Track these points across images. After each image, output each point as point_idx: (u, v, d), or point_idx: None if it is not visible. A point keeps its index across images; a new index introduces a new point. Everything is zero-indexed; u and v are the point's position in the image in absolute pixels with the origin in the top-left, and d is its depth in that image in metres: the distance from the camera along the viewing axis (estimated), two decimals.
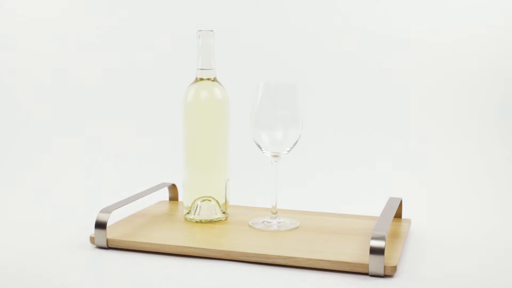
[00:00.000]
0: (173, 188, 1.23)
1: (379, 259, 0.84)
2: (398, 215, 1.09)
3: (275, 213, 1.06)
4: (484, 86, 1.40)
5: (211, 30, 1.04)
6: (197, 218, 1.06)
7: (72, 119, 1.54)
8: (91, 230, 1.03)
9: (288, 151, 1.03)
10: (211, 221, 1.06)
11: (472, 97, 1.40)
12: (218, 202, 1.06)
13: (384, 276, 0.85)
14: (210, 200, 1.05)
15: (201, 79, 1.04)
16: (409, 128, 1.42)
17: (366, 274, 0.86)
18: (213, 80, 1.04)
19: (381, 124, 1.41)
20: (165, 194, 1.25)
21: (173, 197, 1.23)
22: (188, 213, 1.06)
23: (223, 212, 1.07)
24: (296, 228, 1.04)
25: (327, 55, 1.47)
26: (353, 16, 1.47)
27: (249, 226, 1.05)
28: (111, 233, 0.99)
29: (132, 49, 1.59)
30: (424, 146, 1.40)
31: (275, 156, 1.03)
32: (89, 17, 1.60)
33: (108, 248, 0.97)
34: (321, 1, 1.49)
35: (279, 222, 1.05)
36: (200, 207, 1.05)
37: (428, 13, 1.44)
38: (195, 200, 1.06)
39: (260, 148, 1.03)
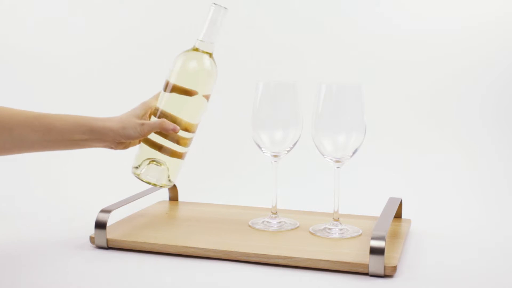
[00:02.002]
0: (173, 188, 1.23)
1: (379, 259, 0.84)
2: (398, 215, 1.09)
3: (275, 213, 1.06)
4: (484, 86, 1.40)
5: (226, 8, 0.98)
6: (144, 176, 0.98)
7: None
8: (91, 230, 1.03)
9: (288, 151, 1.03)
10: (155, 185, 0.99)
11: (472, 97, 1.40)
12: (168, 169, 0.99)
13: (384, 276, 0.85)
14: (161, 165, 0.99)
15: (197, 49, 0.99)
16: (409, 128, 1.42)
17: (366, 274, 0.86)
18: (209, 55, 1.00)
19: (381, 124, 1.40)
20: (165, 194, 1.25)
21: (173, 197, 1.23)
22: (136, 167, 0.99)
23: (169, 180, 1.00)
24: (296, 228, 1.04)
25: (327, 54, 1.47)
26: (353, 14, 1.47)
27: (249, 226, 1.05)
28: (111, 233, 0.99)
29: (132, 48, 1.59)
30: (424, 146, 1.40)
31: (275, 156, 1.03)
32: (88, 16, 1.60)
33: (108, 248, 0.97)
34: (321, 0, 1.49)
35: (279, 222, 1.05)
36: (149, 167, 0.99)
37: (428, 11, 1.44)
38: (145, 160, 0.99)
39: (260, 148, 1.03)
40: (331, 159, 0.98)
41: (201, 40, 0.99)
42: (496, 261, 0.93)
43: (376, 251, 0.84)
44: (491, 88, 1.39)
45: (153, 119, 0.97)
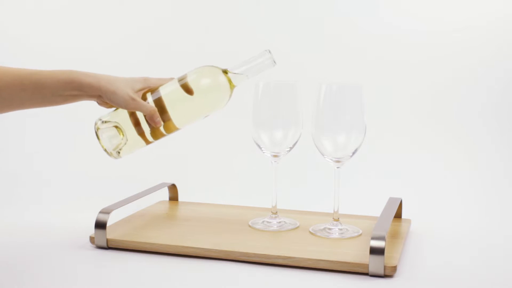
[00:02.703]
0: (173, 188, 1.23)
1: (379, 259, 0.84)
2: (398, 215, 1.09)
3: (275, 213, 1.06)
4: (484, 86, 1.40)
5: (276, 63, 0.97)
6: (100, 134, 0.96)
7: (72, 118, 1.54)
8: (91, 230, 1.03)
9: (288, 151, 1.03)
10: (102, 147, 0.96)
11: (472, 97, 1.40)
12: (125, 144, 0.96)
13: (384, 276, 0.85)
14: (122, 136, 0.96)
15: (226, 72, 0.97)
16: (409, 128, 1.42)
17: (366, 274, 0.86)
18: (231, 86, 0.98)
19: (381, 124, 1.40)
20: (165, 194, 1.25)
21: (173, 197, 1.23)
22: (102, 121, 0.97)
23: (118, 152, 0.97)
24: (296, 228, 1.04)
25: (327, 54, 1.47)
26: (353, 14, 1.47)
27: (249, 226, 1.05)
28: (111, 233, 0.99)
29: (131, 49, 1.59)
30: (424, 146, 1.40)
31: (275, 156, 1.03)
32: (87, 13, 1.60)
33: (108, 248, 0.97)
34: (321, 0, 1.49)
35: (279, 222, 1.05)
36: (111, 130, 0.96)
37: (429, 10, 1.44)
38: (114, 122, 0.96)
39: (260, 148, 1.03)
40: (331, 159, 0.98)
41: (233, 72, 0.97)
42: (496, 260, 0.93)
43: (376, 251, 0.84)
44: (492, 88, 1.39)
45: (149, 97, 0.95)
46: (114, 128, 0.96)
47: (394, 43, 1.44)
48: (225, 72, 0.98)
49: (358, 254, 0.89)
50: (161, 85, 0.97)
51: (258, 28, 1.50)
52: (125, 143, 0.96)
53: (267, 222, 1.05)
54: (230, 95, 0.98)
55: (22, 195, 1.33)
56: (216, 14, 1.53)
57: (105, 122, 0.96)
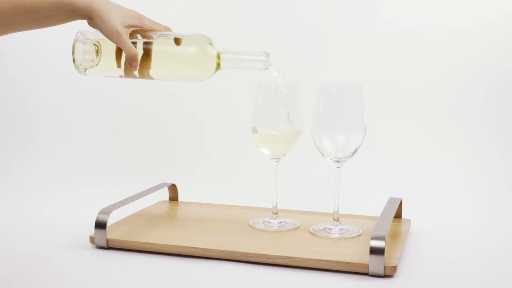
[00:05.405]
0: (173, 188, 1.23)
1: (379, 259, 0.84)
2: (398, 215, 1.09)
3: (276, 213, 1.06)
4: (484, 86, 1.40)
5: (268, 68, 0.96)
6: (77, 45, 0.94)
7: (72, 118, 1.54)
8: (91, 230, 1.03)
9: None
10: (72, 56, 0.94)
11: (472, 97, 1.40)
12: (96, 65, 0.95)
13: (384, 276, 0.85)
14: (96, 55, 0.95)
15: (219, 54, 0.95)
16: (409, 128, 1.42)
17: (366, 274, 0.86)
18: (218, 66, 0.97)
19: (381, 124, 1.40)
20: (165, 194, 1.25)
21: (173, 197, 1.23)
22: (85, 36, 0.95)
23: (85, 69, 0.95)
24: (297, 228, 1.04)
25: (327, 55, 1.47)
26: (353, 14, 1.47)
27: (250, 226, 1.05)
28: (111, 233, 0.99)
29: None
30: (424, 146, 1.40)
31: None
32: None
33: (108, 248, 0.97)
34: (321, 1, 1.49)
35: (279, 222, 1.05)
36: (89, 47, 0.94)
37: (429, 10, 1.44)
38: (97, 42, 0.94)
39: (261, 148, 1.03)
40: (331, 159, 0.98)
41: (225, 56, 0.95)
42: (496, 260, 0.93)
43: (376, 251, 0.84)
44: (491, 88, 1.39)
45: (139, 41, 0.93)
46: (94, 46, 0.94)
47: (394, 43, 1.44)
48: (218, 53, 0.95)
49: (358, 254, 0.89)
50: (153, 29, 0.95)
51: (258, 28, 1.50)
52: (95, 65, 0.94)
53: (268, 222, 1.06)
54: (212, 74, 0.96)
55: (22, 195, 1.33)
56: (215, 13, 1.53)
57: (86, 38, 0.94)
